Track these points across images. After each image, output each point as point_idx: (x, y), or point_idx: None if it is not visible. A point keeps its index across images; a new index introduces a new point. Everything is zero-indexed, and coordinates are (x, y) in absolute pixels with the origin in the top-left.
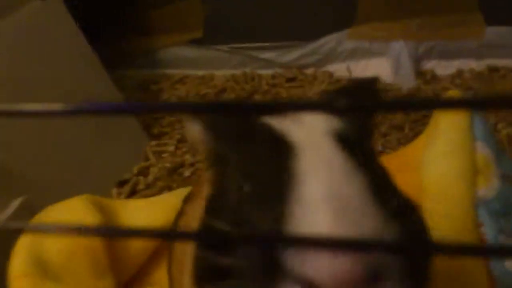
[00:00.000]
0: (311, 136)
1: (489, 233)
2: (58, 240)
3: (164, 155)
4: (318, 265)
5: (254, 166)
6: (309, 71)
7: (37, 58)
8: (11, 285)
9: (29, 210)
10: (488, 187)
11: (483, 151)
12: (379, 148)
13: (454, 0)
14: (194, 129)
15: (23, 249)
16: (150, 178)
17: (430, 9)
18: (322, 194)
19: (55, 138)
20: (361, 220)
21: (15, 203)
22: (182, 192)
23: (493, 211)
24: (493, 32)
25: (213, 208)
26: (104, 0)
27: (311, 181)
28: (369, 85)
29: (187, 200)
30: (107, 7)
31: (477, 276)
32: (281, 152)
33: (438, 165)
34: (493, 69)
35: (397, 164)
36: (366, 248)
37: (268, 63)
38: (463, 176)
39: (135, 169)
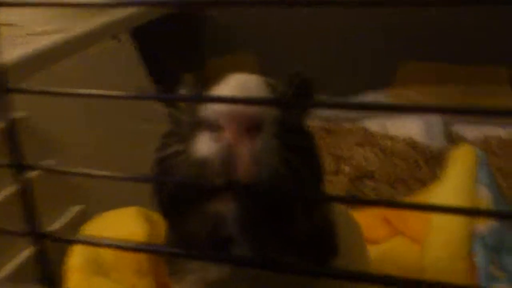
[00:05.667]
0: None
1: (481, 263)
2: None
3: None
4: (219, 109)
5: None
6: (346, 124)
7: (105, 87)
8: (67, 277)
9: (84, 218)
10: (486, 225)
11: (485, 195)
12: None
13: (486, 73)
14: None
15: (80, 247)
16: None
17: (464, 78)
18: (231, 86)
19: (114, 152)
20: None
21: (72, 211)
22: None
23: (487, 245)
24: None
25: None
26: (170, 46)
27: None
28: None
29: None
30: (172, 51)
31: None
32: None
33: (444, 203)
34: None
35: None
36: (253, 102)
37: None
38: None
39: None
